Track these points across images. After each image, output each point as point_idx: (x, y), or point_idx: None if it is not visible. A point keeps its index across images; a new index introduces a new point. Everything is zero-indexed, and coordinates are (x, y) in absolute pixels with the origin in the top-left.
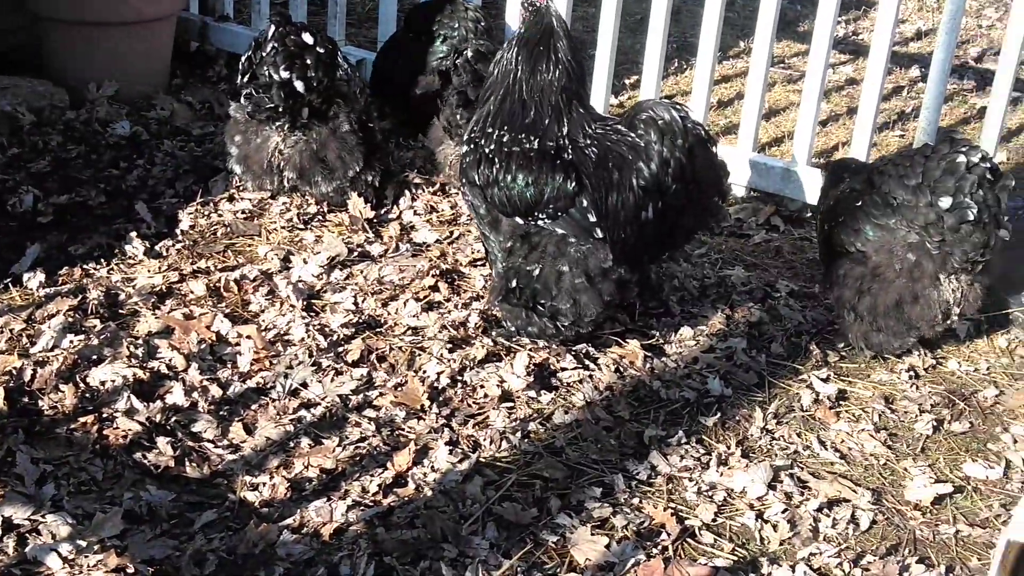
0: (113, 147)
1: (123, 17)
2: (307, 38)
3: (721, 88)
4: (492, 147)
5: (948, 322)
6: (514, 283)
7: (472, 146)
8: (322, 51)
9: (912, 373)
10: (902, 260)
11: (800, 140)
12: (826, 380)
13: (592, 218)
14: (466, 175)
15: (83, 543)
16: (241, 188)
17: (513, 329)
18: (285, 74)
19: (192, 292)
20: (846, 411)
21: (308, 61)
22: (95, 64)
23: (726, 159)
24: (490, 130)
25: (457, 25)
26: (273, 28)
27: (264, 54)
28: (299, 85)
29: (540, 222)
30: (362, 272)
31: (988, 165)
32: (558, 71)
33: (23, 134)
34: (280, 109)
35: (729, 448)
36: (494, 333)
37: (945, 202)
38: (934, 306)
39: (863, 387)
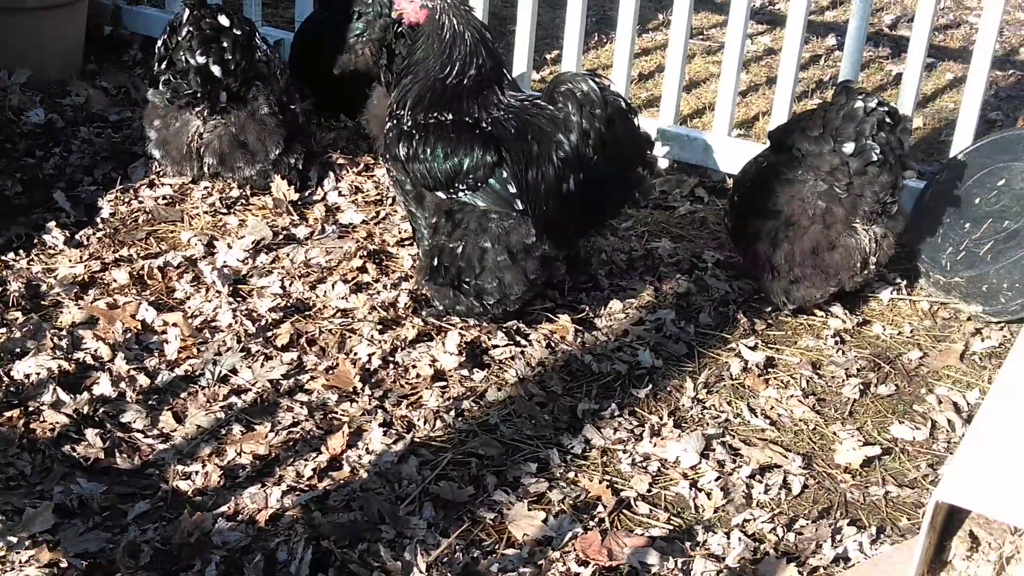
0: (28, 135)
1: (33, 2)
2: (223, 20)
3: (641, 61)
4: (410, 122)
5: (866, 272)
6: (437, 261)
7: (394, 122)
8: (239, 33)
9: (838, 338)
10: (813, 207)
11: (721, 111)
12: (754, 348)
13: (512, 189)
14: (389, 151)
15: (14, 539)
16: (161, 174)
17: (441, 308)
18: (202, 59)
19: (115, 281)
20: (775, 378)
21: (225, 44)
22: (6, 51)
23: (649, 132)
24: (409, 106)
25: (371, 1)
26: (187, 11)
27: (180, 39)
28: (216, 69)
29: (462, 195)
30: (288, 255)
31: (886, 108)
32: (470, 51)
33: None
34: (198, 94)
35: (661, 419)
36: (424, 313)
37: (848, 147)
38: (853, 253)
39: (791, 354)
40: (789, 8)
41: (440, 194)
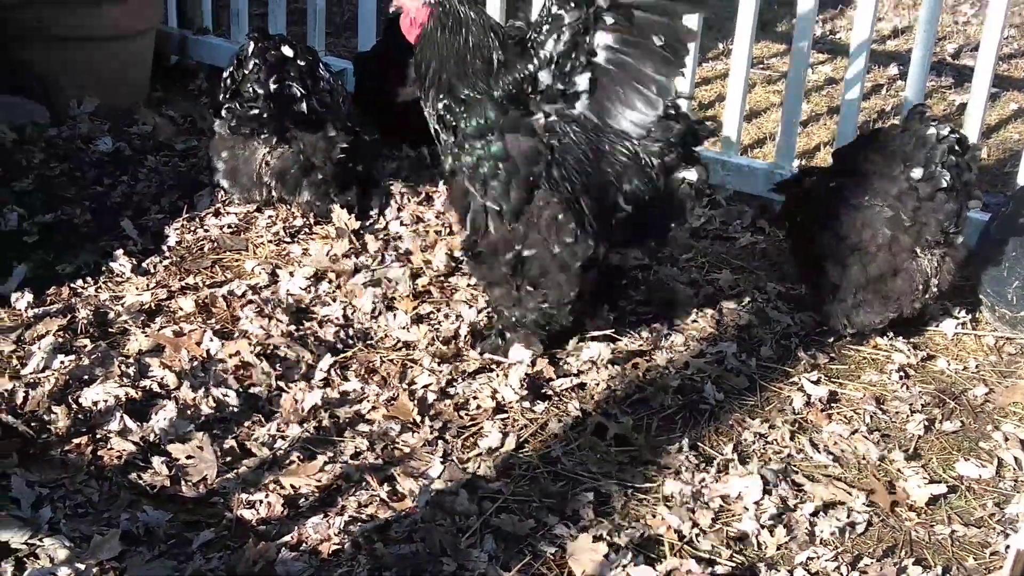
0: (96, 164)
1: (102, 32)
2: (287, 51)
3: (701, 90)
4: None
5: (926, 297)
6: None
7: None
8: (303, 63)
9: (902, 373)
10: (880, 233)
11: (783, 141)
12: (817, 382)
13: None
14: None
15: (82, 566)
16: (227, 202)
17: (497, 339)
18: (275, 87)
19: (181, 309)
20: (838, 413)
21: (290, 74)
22: (76, 80)
23: (709, 162)
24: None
25: None
26: (252, 44)
27: (247, 71)
28: (284, 96)
29: None
30: (350, 284)
31: (956, 136)
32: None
33: (5, 153)
34: (264, 123)
35: (724, 453)
36: (478, 348)
37: (917, 172)
38: (914, 278)
39: (854, 388)
40: (852, 37)
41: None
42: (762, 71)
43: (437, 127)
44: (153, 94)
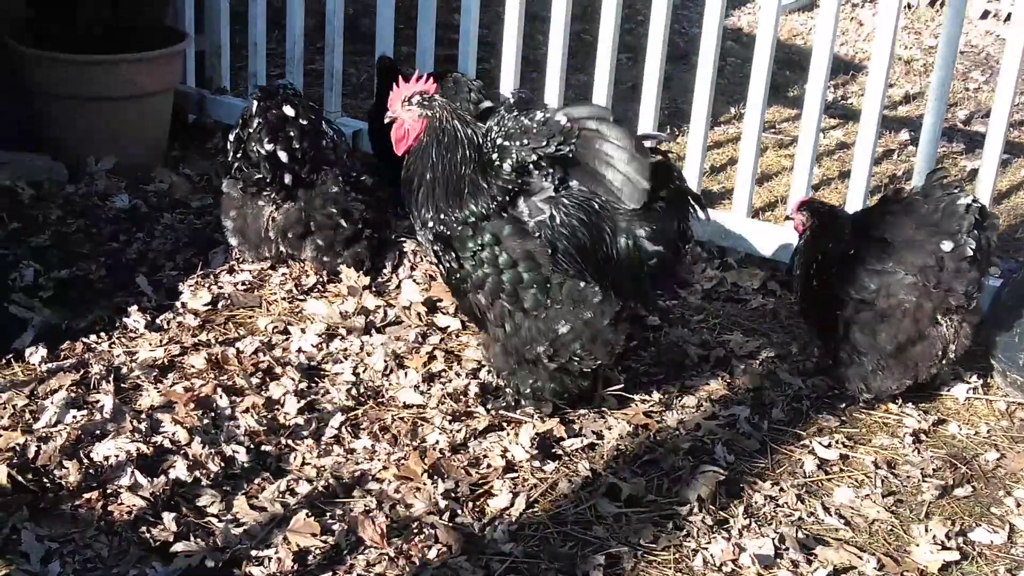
0: (112, 220)
1: (121, 91)
2: (288, 111)
3: (713, 154)
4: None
5: (943, 362)
6: (516, 343)
7: (435, 228)
8: (305, 123)
9: (913, 437)
10: (904, 300)
11: (794, 205)
12: (828, 446)
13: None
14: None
15: None
16: (241, 260)
17: (513, 399)
18: (270, 147)
19: (193, 366)
20: (849, 476)
21: (292, 133)
22: (93, 138)
23: (721, 224)
24: (444, 207)
25: (458, 106)
26: (256, 104)
27: (250, 130)
28: (284, 156)
29: None
30: (361, 342)
31: (979, 205)
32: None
33: (23, 208)
34: (269, 181)
35: (734, 516)
36: (490, 406)
37: (948, 244)
38: (935, 345)
39: (865, 452)
40: (864, 102)
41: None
42: (774, 135)
43: (435, 248)
44: (170, 153)
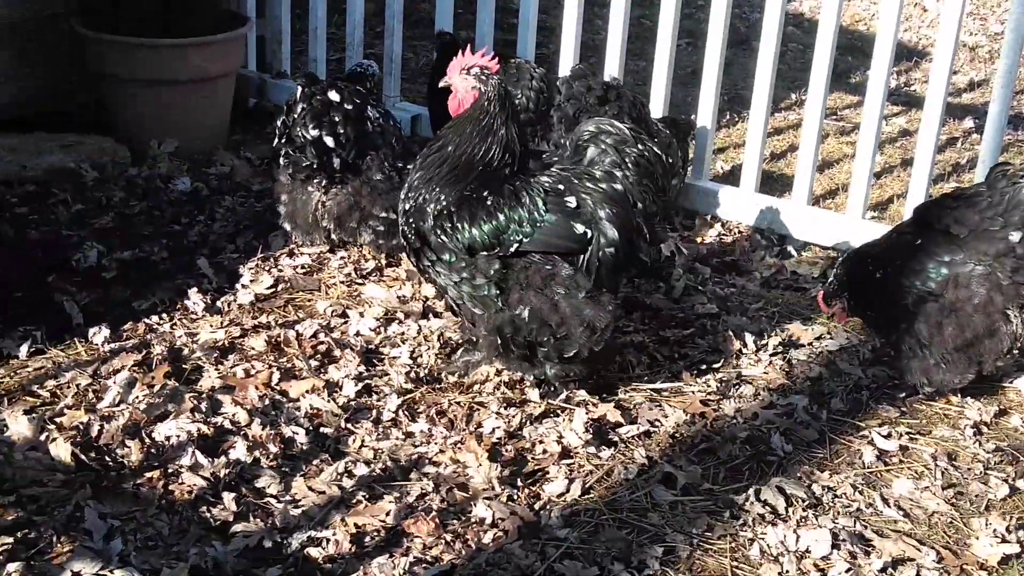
0: (174, 203)
1: (185, 75)
2: (333, 96)
3: (773, 140)
4: (446, 198)
5: (1009, 356)
6: (502, 337)
7: (418, 201)
8: (350, 107)
9: (975, 429)
10: (974, 293)
11: (855, 193)
12: (888, 436)
13: (572, 203)
14: (421, 233)
15: None
16: (300, 243)
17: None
18: (315, 132)
19: (253, 348)
20: (909, 468)
21: (336, 118)
22: (156, 121)
23: (781, 212)
24: (440, 183)
25: (520, 93)
26: (300, 90)
27: (295, 116)
28: (330, 141)
29: (516, 245)
30: (419, 326)
31: None
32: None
33: (87, 190)
34: (315, 167)
35: (791, 506)
36: (541, 391)
37: (1016, 236)
38: (1003, 339)
39: (925, 443)
40: (928, 89)
41: (490, 253)
42: (835, 122)
43: (438, 232)
44: (232, 136)
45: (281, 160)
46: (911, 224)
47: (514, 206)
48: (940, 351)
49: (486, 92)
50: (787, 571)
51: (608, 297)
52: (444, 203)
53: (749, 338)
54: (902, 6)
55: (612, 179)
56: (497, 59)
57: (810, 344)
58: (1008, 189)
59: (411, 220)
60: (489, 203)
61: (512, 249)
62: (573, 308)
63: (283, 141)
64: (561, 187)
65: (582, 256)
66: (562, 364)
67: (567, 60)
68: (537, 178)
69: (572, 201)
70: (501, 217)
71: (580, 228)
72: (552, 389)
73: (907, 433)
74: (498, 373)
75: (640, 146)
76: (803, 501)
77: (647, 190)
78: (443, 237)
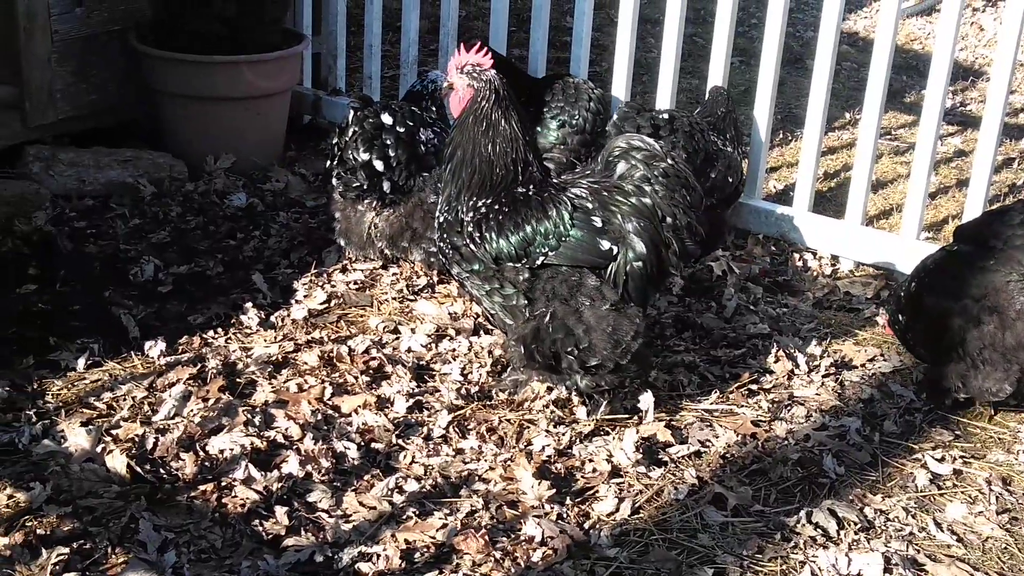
0: (230, 218)
1: (241, 92)
2: (386, 118)
3: (827, 160)
4: (470, 209)
5: None
6: (525, 346)
7: (451, 214)
8: (402, 130)
9: None
10: (1015, 301)
11: (910, 213)
12: (941, 460)
13: (598, 222)
14: (451, 242)
15: None
16: (353, 259)
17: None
18: (365, 156)
19: (306, 363)
20: (962, 492)
21: (388, 141)
22: (213, 137)
23: (834, 231)
24: (463, 193)
25: (577, 113)
26: (352, 113)
27: (347, 138)
28: (379, 165)
29: (542, 258)
30: (470, 343)
31: None
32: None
33: (144, 205)
34: (366, 188)
35: (843, 529)
36: (589, 409)
37: None
38: None
39: (979, 467)
40: (984, 109)
41: (518, 264)
42: (889, 141)
43: (467, 241)
44: (287, 153)
45: (334, 180)
46: (954, 241)
47: (541, 219)
48: (978, 357)
49: (480, 88)
50: None
51: (635, 310)
52: (472, 214)
53: (801, 359)
54: (959, 26)
55: (641, 193)
56: (489, 53)
57: (863, 365)
58: None
59: (444, 235)
60: (517, 215)
61: (538, 262)
62: (598, 318)
63: (335, 163)
64: (589, 204)
65: (610, 267)
66: (589, 375)
67: (620, 78)
68: (566, 191)
69: (598, 221)
70: (528, 229)
71: (606, 244)
72: (592, 400)
73: (961, 457)
74: (548, 391)
75: (669, 161)
76: (855, 524)
77: (677, 204)
78: (472, 247)
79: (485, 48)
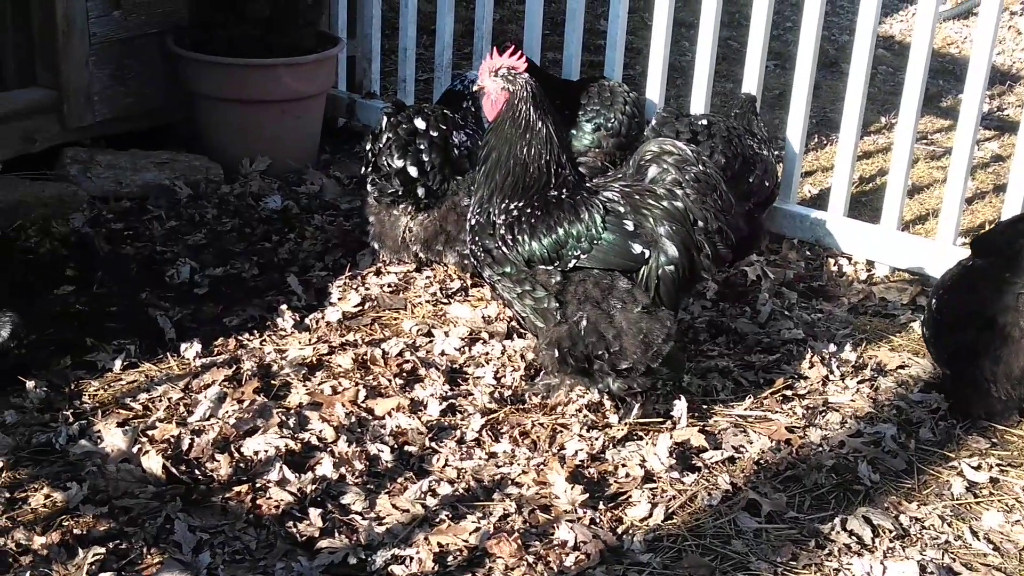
0: (265, 220)
1: (277, 95)
2: (419, 123)
3: (862, 164)
4: (503, 212)
5: None
6: (559, 349)
7: (482, 216)
8: (435, 134)
9: None
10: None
11: (946, 219)
12: (978, 468)
13: (629, 226)
14: (483, 245)
15: None
16: (387, 262)
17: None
18: (399, 163)
19: (340, 366)
20: (999, 500)
21: (421, 147)
22: (249, 140)
23: (870, 237)
24: (496, 196)
25: (612, 116)
26: (385, 119)
27: (381, 145)
28: (413, 171)
29: (574, 261)
30: (503, 347)
31: None
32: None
33: (180, 207)
34: (400, 193)
35: (878, 536)
36: (621, 414)
37: None
38: None
39: (1016, 475)
40: (1022, 114)
41: (551, 267)
42: (925, 146)
43: (499, 244)
44: (321, 156)
45: (368, 186)
46: (971, 253)
47: (573, 221)
48: (994, 373)
49: (516, 91)
50: None
51: (666, 313)
52: (504, 217)
53: (836, 364)
54: (997, 29)
55: (673, 197)
56: (523, 56)
57: (898, 371)
58: None
59: (476, 237)
60: (549, 217)
61: (570, 265)
62: (629, 321)
63: (369, 169)
64: (621, 207)
65: (641, 270)
66: (621, 378)
67: (654, 82)
68: (598, 194)
69: (630, 225)
70: (560, 231)
71: (638, 248)
72: (625, 404)
73: (997, 465)
74: (581, 395)
75: (701, 166)
76: (890, 532)
77: (708, 209)
78: (504, 249)
79: (519, 51)
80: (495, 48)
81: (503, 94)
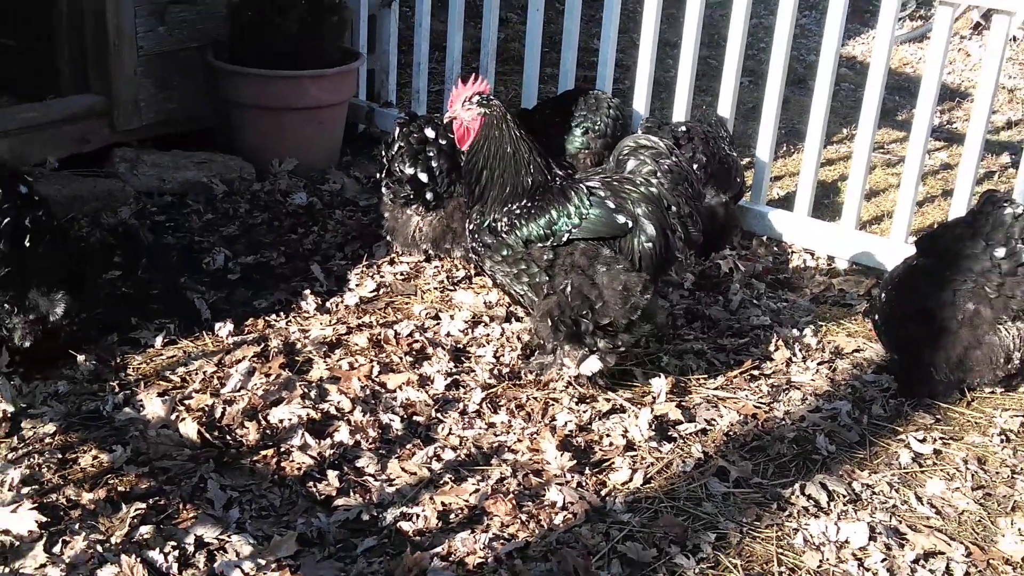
0: (292, 215)
1: (305, 103)
2: (429, 132)
3: (825, 170)
4: (498, 214)
5: (1009, 367)
6: (552, 319)
7: (479, 220)
8: (444, 142)
9: (1003, 436)
10: (962, 308)
11: (899, 219)
12: (923, 441)
13: (611, 204)
14: (480, 240)
15: (263, 561)
16: (400, 253)
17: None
18: (411, 171)
19: (357, 344)
20: (941, 470)
21: (431, 153)
22: (279, 143)
23: (831, 235)
24: (491, 205)
25: (598, 120)
26: (398, 128)
27: (394, 152)
28: (424, 177)
29: (567, 235)
30: (502, 329)
31: None
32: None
33: (216, 202)
34: (412, 197)
35: (833, 500)
36: (604, 385)
37: (1000, 252)
38: (996, 351)
39: (957, 448)
40: (968, 127)
41: (546, 244)
42: (882, 155)
43: (498, 231)
44: (343, 158)
45: (383, 189)
46: (915, 252)
47: (563, 202)
48: (935, 359)
49: (492, 113)
50: (827, 559)
51: (643, 276)
52: (508, 218)
53: (798, 348)
54: (947, 52)
55: (649, 184)
56: (483, 80)
57: (854, 354)
58: (993, 212)
59: (476, 235)
60: (543, 203)
61: (564, 239)
62: (610, 277)
63: (384, 174)
64: (602, 192)
65: (625, 240)
66: (607, 336)
67: (641, 95)
68: (583, 183)
69: (612, 203)
70: (553, 212)
71: (622, 219)
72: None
73: (940, 438)
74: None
75: (674, 158)
76: (844, 497)
77: (680, 195)
78: (503, 235)
79: (481, 77)
80: (459, 79)
81: (479, 119)
